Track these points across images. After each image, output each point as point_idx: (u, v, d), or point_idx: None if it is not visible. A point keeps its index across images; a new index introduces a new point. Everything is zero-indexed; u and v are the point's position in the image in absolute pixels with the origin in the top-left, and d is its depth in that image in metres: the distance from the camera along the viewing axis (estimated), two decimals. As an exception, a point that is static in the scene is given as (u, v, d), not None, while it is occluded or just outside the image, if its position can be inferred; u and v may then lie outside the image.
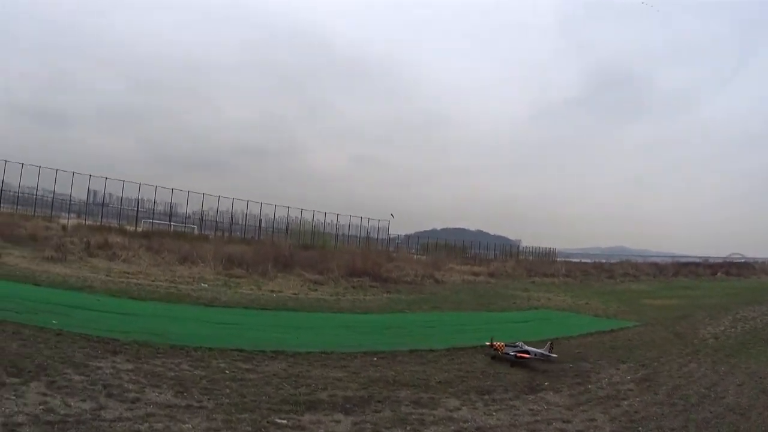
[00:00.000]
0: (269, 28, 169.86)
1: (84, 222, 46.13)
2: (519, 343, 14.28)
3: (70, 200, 53.07)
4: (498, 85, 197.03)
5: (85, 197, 54.88)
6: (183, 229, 52.84)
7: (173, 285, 23.27)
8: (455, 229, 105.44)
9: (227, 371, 11.18)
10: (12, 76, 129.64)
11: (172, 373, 10.55)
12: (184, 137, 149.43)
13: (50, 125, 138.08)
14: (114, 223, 49.06)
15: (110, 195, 55.07)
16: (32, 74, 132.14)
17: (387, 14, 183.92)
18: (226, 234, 53.87)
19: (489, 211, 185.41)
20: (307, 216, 62.77)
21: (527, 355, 13.87)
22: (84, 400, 8.44)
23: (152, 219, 55.68)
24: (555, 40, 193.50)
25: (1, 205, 46.03)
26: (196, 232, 53.71)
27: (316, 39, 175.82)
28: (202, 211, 58.37)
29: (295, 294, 24.68)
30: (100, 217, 51.55)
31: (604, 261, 71.91)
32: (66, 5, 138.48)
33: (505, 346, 14.20)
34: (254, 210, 60.42)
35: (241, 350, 12.93)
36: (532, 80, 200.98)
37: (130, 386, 9.44)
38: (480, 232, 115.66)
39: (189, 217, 57.96)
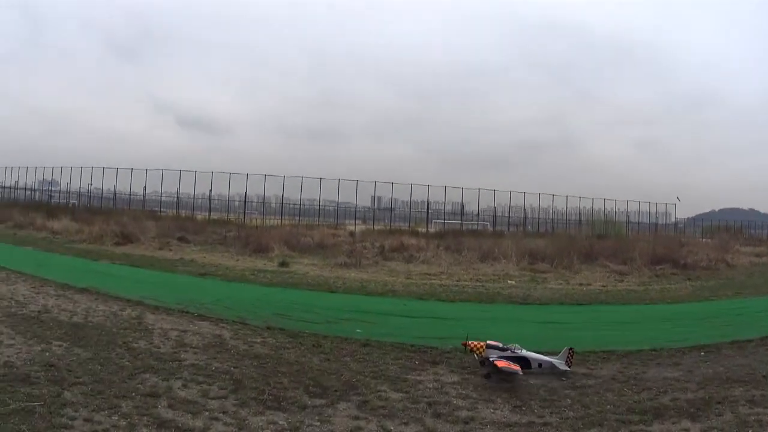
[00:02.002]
0: (532, 24, 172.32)
1: (372, 227, 49.08)
2: (511, 347, 10.25)
3: (356, 207, 58.21)
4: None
5: (369, 204, 59.80)
6: (476, 227, 54.27)
7: (480, 284, 22.67)
8: (730, 209, 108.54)
9: (564, 378, 10.35)
10: (287, 103, 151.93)
11: (506, 384, 9.56)
12: (463, 138, 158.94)
13: (325, 141, 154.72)
14: (402, 226, 51.35)
15: (395, 200, 59.38)
16: (305, 98, 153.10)
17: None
18: (520, 229, 55.35)
19: (761, 189, 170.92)
20: (597, 205, 65.41)
21: (515, 366, 9.58)
22: (406, 423, 7.65)
23: (444, 219, 58.21)
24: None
25: (283, 216, 51.64)
26: (489, 229, 54.98)
27: (578, 29, 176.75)
28: (494, 208, 60.41)
29: (603, 286, 23.91)
30: (389, 221, 55.34)
31: None
32: (332, 30, 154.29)
33: (486, 347, 10.13)
34: (542, 203, 63.19)
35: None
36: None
37: (460, 402, 8.59)
38: (752, 211, 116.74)
39: (478, 214, 60.11)
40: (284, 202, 54.04)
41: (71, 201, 61.73)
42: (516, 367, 9.57)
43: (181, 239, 33.40)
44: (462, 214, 59.14)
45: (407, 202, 60.70)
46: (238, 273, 22.80)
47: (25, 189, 69.13)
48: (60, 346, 10.48)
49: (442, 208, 61.49)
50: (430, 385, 9.23)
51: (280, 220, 50.16)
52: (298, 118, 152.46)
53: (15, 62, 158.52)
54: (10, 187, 70.68)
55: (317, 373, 9.47)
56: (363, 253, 28.52)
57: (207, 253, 29.39)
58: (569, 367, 10.29)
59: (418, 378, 9.57)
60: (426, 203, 58.11)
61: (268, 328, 12.88)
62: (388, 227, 50.06)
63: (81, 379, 8.54)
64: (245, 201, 53.27)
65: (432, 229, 49.91)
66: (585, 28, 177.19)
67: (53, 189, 68.62)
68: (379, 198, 60.81)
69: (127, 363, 9.58)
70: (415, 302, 17.75)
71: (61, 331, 11.72)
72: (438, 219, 58.46)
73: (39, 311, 13.60)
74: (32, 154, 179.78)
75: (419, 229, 46.71)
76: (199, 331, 12.23)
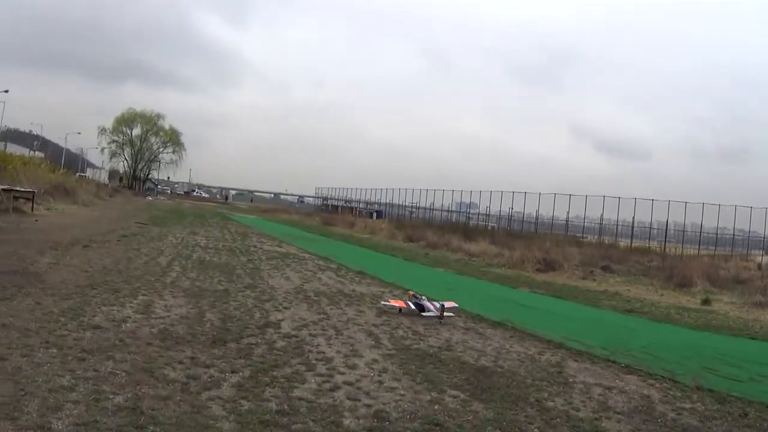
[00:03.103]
0: None
1: (776, 259, 45.54)
2: (421, 296, 14.78)
3: (765, 237, 56.08)
4: None
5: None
6: None
7: None
8: None
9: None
10: (692, 125, 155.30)
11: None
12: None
13: (735, 164, 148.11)
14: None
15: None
16: (711, 119, 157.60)
17: None
18: None
19: None
20: None
21: (399, 303, 14.56)
22: None
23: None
24: None
25: (700, 246, 51.07)
26: None
27: None
28: None
29: None
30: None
31: None
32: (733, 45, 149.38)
33: (413, 295, 14.74)
34: None
35: None
36: None
37: None
38: None
39: None
40: (703, 231, 53.09)
41: (490, 224, 62.84)
42: (399, 304, 14.56)
43: (604, 268, 31.08)
44: None
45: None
46: (663, 311, 19.85)
47: (441, 210, 73.81)
48: (456, 397, 8.21)
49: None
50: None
51: (697, 250, 47.73)
52: (705, 139, 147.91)
53: (428, 94, 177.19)
54: (425, 208, 76.80)
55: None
56: (773, 290, 24.03)
57: (630, 285, 26.79)
58: (441, 318, 13.95)
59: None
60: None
61: (698, 388, 9.91)
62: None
63: (473, 450, 6.52)
64: (666, 229, 52.29)
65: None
66: None
67: (471, 211, 71.95)
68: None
69: (535, 430, 7.29)
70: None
71: (462, 376, 9.37)
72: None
73: (439, 347, 11.34)
74: (451, 178, 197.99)
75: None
76: (625, 389, 9.52)
